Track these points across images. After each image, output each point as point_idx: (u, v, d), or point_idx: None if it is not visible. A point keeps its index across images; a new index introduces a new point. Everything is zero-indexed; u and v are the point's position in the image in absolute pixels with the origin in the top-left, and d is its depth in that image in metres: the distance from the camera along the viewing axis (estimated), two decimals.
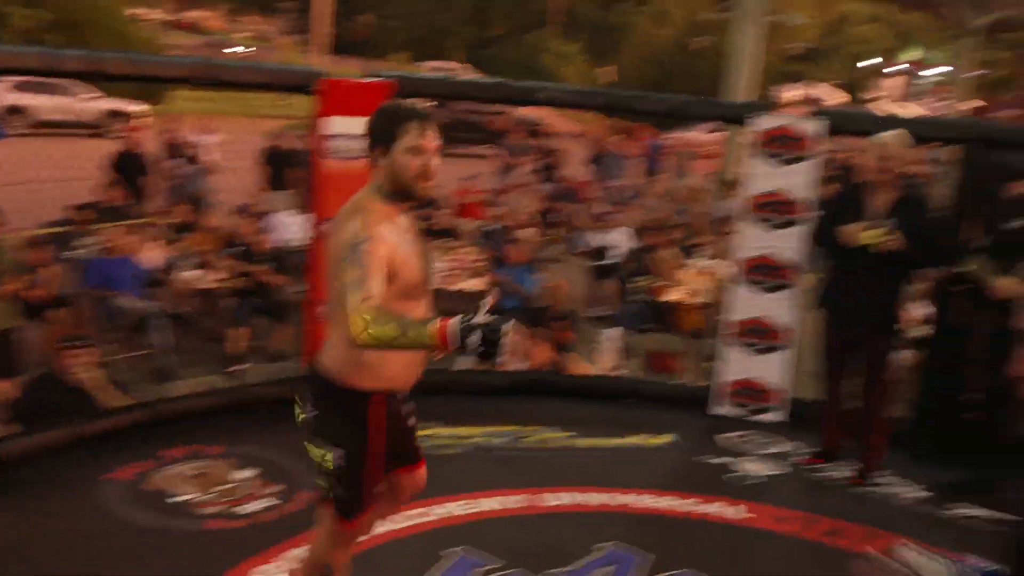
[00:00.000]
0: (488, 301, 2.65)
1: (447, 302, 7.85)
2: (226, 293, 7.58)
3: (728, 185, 9.24)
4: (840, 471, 5.17)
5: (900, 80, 50.33)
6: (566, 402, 5.96)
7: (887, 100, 40.81)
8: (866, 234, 4.77)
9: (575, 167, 15.52)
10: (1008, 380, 5.13)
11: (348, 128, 5.08)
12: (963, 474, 5.18)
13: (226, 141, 14.01)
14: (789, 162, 5.63)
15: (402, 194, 2.85)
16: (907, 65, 49.98)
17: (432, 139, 2.83)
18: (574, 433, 5.45)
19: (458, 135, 18.34)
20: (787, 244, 5.62)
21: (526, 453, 5.18)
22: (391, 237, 2.78)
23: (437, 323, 2.54)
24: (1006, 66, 30.38)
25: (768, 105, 6.07)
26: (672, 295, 8.31)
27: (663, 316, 8.26)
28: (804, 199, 5.67)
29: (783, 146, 5.64)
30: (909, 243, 4.73)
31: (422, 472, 3.31)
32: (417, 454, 3.29)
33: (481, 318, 2.53)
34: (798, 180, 5.65)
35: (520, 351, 6.43)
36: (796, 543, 4.45)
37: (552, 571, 3.88)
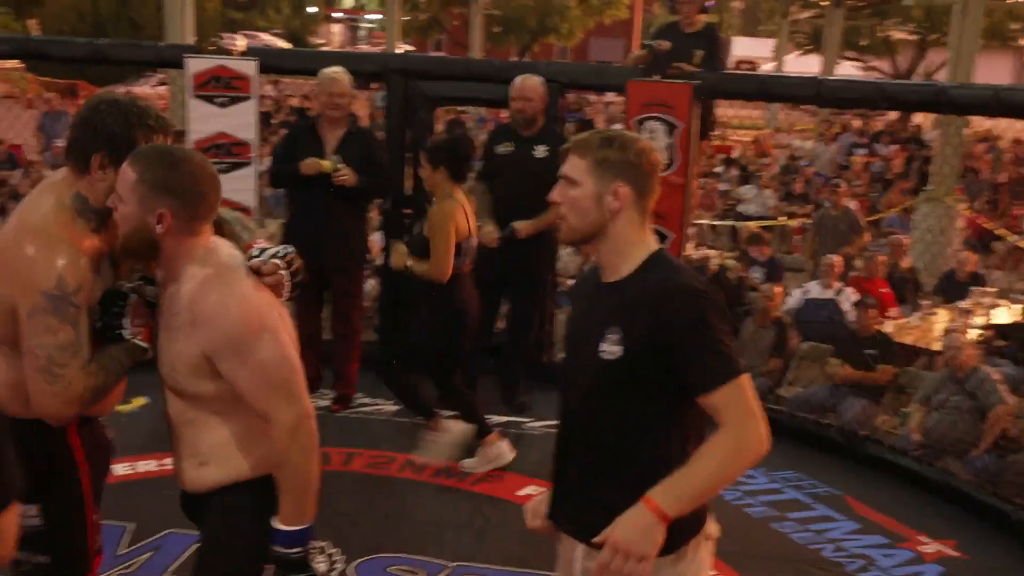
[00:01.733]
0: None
1: None
2: None
3: (177, 135, 8.88)
4: (320, 401, 5.33)
5: (340, 28, 52.22)
6: None
7: (328, 47, 42.21)
8: (324, 162, 4.90)
9: (15, 131, 13.94)
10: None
11: None
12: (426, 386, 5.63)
13: None
14: (228, 103, 5.55)
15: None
16: (343, 14, 52.00)
17: None
18: None
19: None
20: (236, 187, 5.56)
21: None
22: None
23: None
24: (429, 9, 32.86)
25: (202, 48, 5.92)
26: None
27: None
28: (248, 140, 5.64)
29: (220, 87, 5.54)
30: (359, 176, 4.95)
31: None
32: None
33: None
34: (240, 120, 5.59)
35: None
36: None
37: None
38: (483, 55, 21.28)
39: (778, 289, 6.54)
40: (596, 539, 1.94)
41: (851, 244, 8.87)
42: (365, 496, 4.34)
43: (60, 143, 13.25)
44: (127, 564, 3.61)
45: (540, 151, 5.14)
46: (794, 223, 11.53)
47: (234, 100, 5.56)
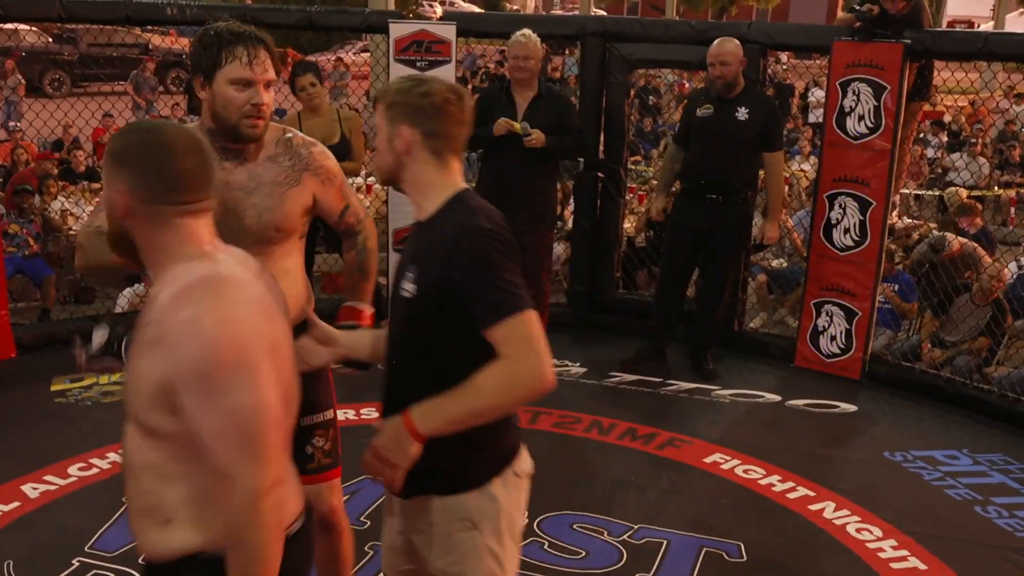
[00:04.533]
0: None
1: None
2: None
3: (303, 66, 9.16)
4: None
5: None
6: None
7: (521, 12, 42.47)
8: (516, 124, 4.98)
9: None
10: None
11: None
12: (615, 349, 5.65)
13: None
14: (428, 66, 5.69)
15: (227, 133, 2.36)
16: None
17: (264, 69, 2.32)
18: None
19: (91, 72, 16.95)
20: None
21: None
22: None
23: None
24: None
25: (400, 13, 6.10)
26: None
27: (332, 239, 8.17)
28: None
29: (421, 52, 5.70)
30: (550, 138, 5.00)
31: None
32: None
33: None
34: None
35: None
36: None
37: None
38: (677, 17, 20.88)
39: (1006, 270, 6.11)
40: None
41: None
42: (551, 454, 4.40)
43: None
44: None
45: (742, 113, 5.02)
46: (1011, 193, 10.78)
47: (433, 64, 5.70)
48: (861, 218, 5.23)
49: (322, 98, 5.49)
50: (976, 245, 7.00)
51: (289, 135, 2.51)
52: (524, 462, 2.15)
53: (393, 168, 2.07)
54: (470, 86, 15.76)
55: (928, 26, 5.35)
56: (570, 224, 6.50)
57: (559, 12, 41.43)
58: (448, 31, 5.71)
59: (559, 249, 6.97)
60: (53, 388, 4.87)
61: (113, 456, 4.12)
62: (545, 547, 3.58)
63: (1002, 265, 6.15)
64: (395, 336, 2.11)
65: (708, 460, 4.38)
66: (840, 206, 5.29)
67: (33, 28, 17.22)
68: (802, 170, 11.01)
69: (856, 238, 5.26)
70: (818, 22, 35.98)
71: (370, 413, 4.65)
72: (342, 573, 2.78)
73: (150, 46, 18.69)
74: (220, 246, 1.75)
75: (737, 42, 5.03)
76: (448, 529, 2.06)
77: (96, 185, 9.33)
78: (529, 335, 1.89)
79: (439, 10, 6.08)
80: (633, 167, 9.79)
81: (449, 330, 1.98)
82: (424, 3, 30.03)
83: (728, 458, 4.40)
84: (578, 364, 5.48)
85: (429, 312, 1.99)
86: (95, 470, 4.03)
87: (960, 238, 6.99)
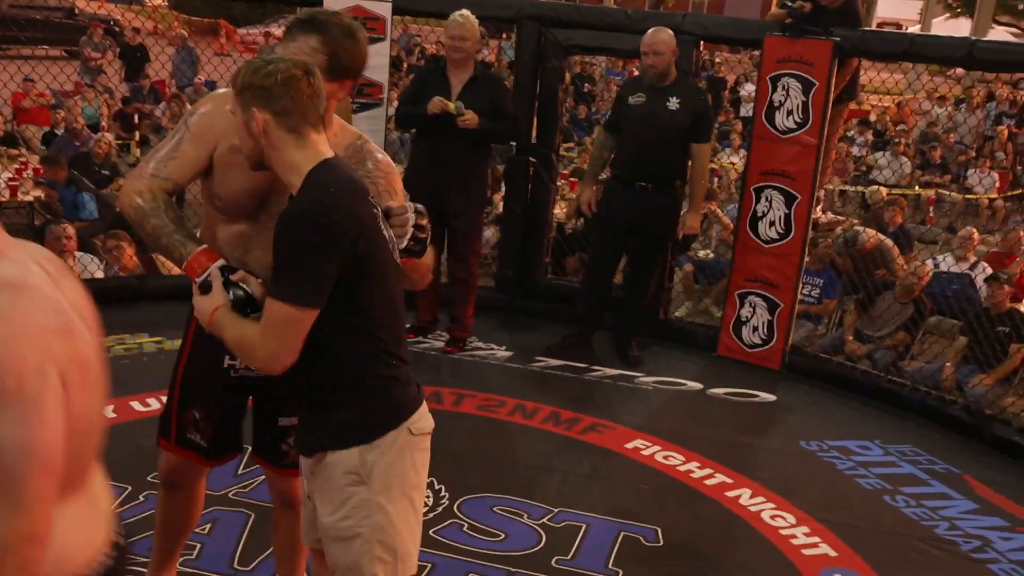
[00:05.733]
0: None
1: (8, 216, 7.08)
2: None
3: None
4: (435, 342, 5.42)
5: None
6: (157, 305, 5.61)
7: None
8: (450, 104, 4.95)
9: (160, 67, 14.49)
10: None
11: None
12: (541, 334, 5.67)
13: None
14: None
15: None
16: None
17: None
18: (163, 337, 5.18)
19: (11, 35, 16.38)
20: (366, 128, 5.65)
21: (114, 361, 4.86)
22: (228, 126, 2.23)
23: (197, 251, 2.24)
24: None
25: None
26: None
27: None
28: (379, 80, 5.73)
29: None
30: (483, 120, 4.98)
31: None
32: None
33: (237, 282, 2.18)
34: (373, 61, 5.65)
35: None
36: None
37: (152, 477, 3.71)
38: (615, 5, 20.96)
39: (926, 268, 6.27)
40: None
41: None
42: (474, 437, 4.41)
43: (199, 79, 13.76)
44: (244, 484, 3.76)
45: (673, 103, 5.06)
46: (930, 193, 11.08)
47: (369, 41, 5.63)
48: (786, 211, 5.32)
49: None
50: (891, 243, 7.19)
51: (361, 142, 2.47)
52: (423, 421, 2.20)
53: (257, 153, 2.07)
54: (406, 65, 15.63)
55: (861, 21, 5.45)
56: (500, 208, 6.49)
57: None
58: (384, 8, 5.65)
59: (489, 233, 6.96)
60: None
61: None
62: (464, 528, 3.59)
63: (924, 266, 6.31)
64: None
65: (629, 446, 4.42)
66: (767, 199, 5.38)
67: None
68: (732, 163, 11.17)
69: (781, 231, 5.35)
70: (752, 14, 36.45)
71: None
72: (300, 549, 2.76)
73: (75, 10, 18.17)
74: (11, 243, 1.40)
75: (671, 32, 5.07)
76: (338, 484, 2.10)
77: (13, 151, 9.05)
78: (277, 323, 1.99)
79: None
80: (566, 153, 9.83)
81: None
82: None
83: (649, 444, 4.45)
84: (504, 348, 5.49)
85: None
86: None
87: (877, 234, 7.17)
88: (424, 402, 2.24)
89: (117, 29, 17.31)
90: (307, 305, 1.97)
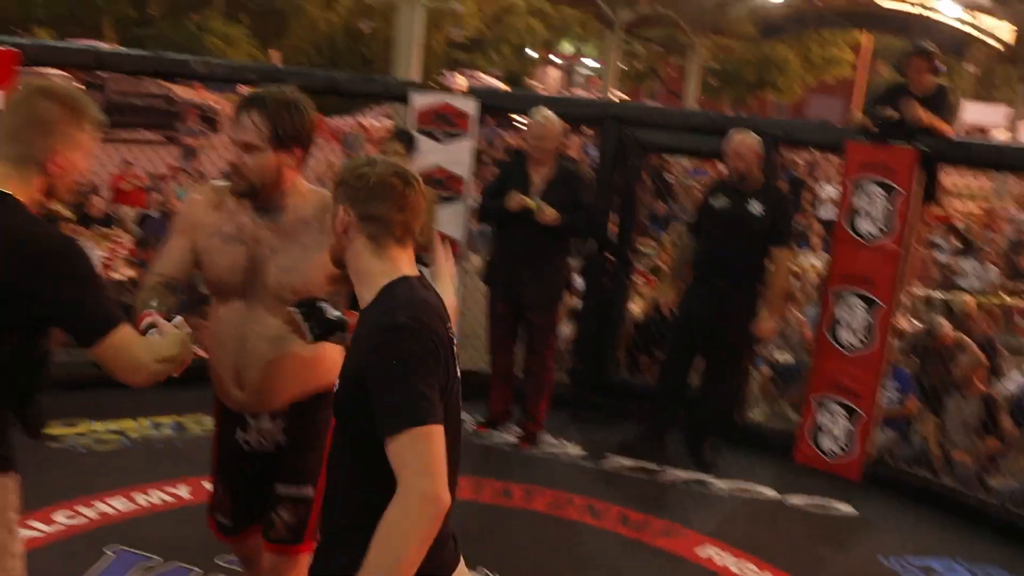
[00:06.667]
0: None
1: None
2: None
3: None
4: (507, 436, 5.40)
5: (558, 73, 53.30)
6: None
7: (544, 91, 43.12)
8: (529, 200, 5.01)
9: None
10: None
11: None
12: (613, 431, 5.61)
13: None
14: (448, 138, 5.77)
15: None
16: (562, 59, 53.05)
17: (242, 130, 2.46)
18: None
19: (115, 119, 17.21)
20: (447, 220, 5.75)
21: (190, 442, 4.94)
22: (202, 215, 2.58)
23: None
24: (646, 60, 33.05)
25: (426, 85, 6.20)
26: None
27: None
28: (462, 175, 5.85)
29: (442, 123, 5.78)
30: (563, 216, 5.04)
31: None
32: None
33: None
34: (457, 157, 5.81)
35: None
36: (467, 505, 4.58)
37: (219, 559, 3.73)
38: (697, 106, 21.20)
39: (983, 358, 6.07)
40: None
41: None
42: (543, 536, 4.35)
43: None
44: None
45: (755, 206, 5.06)
46: (1020, 303, 10.78)
47: (453, 136, 5.78)
48: (868, 318, 5.23)
49: None
50: (970, 341, 6.98)
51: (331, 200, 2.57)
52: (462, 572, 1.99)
53: (336, 251, 1.98)
54: (490, 158, 15.93)
55: (953, 111, 5.39)
56: (576, 303, 6.50)
57: (580, 92, 42.08)
58: (470, 105, 5.79)
59: (564, 327, 6.96)
60: (47, 431, 4.84)
61: (101, 506, 4.08)
62: None
63: (982, 356, 6.09)
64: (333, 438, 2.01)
65: (701, 553, 4.31)
66: (847, 305, 5.29)
67: (63, 74, 17.54)
68: (813, 265, 11.05)
69: (862, 338, 5.25)
70: (834, 116, 36.44)
71: None
72: None
73: (173, 96, 19.01)
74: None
75: (756, 136, 5.09)
76: None
77: (108, 231, 9.39)
78: (426, 453, 1.73)
79: (463, 82, 6.18)
80: (642, 247, 9.83)
81: (365, 438, 1.82)
82: (446, 73, 30.58)
83: (721, 552, 4.33)
84: (576, 444, 5.43)
85: (350, 413, 1.87)
86: (81, 519, 3.98)
87: (955, 331, 6.96)
88: (460, 559, 2.01)
89: (210, 116, 18.04)
90: (435, 420, 1.75)
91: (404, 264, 1.94)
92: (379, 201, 1.89)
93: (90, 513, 4.04)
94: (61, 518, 3.97)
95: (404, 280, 1.90)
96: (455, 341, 1.97)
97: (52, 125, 2.11)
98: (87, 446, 4.71)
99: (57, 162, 2.14)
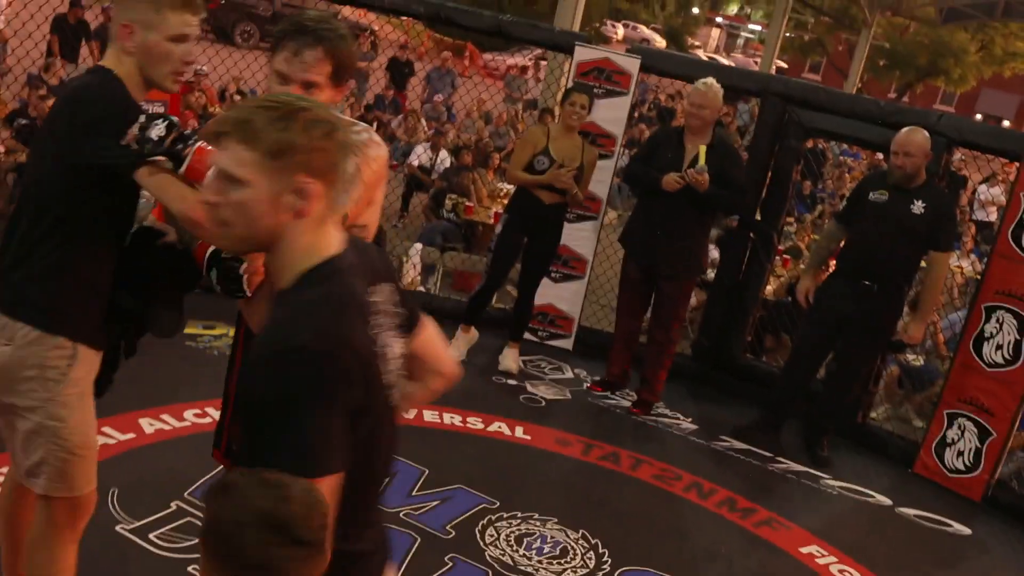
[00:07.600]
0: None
1: None
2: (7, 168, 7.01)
3: (546, 112, 9.31)
4: (621, 400, 5.39)
5: (718, 32, 51.96)
6: None
7: (702, 50, 42.11)
8: (687, 175, 4.91)
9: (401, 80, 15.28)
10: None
11: None
12: (729, 412, 5.54)
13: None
14: (605, 95, 5.70)
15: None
16: (725, 19, 51.64)
17: (303, 69, 2.24)
18: None
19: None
20: (595, 178, 5.71)
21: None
22: None
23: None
24: (815, 30, 31.86)
25: (589, 36, 6.13)
26: (480, 216, 8.36)
27: (470, 236, 8.31)
28: (615, 134, 5.78)
29: (600, 79, 5.70)
30: (713, 187, 4.94)
31: None
32: None
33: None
34: (611, 115, 5.74)
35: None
36: (575, 463, 4.62)
37: None
38: (860, 85, 20.36)
39: None
40: None
41: None
42: (645, 506, 4.35)
43: (439, 98, 14.33)
44: (416, 506, 3.85)
45: (917, 207, 4.84)
46: None
47: (610, 93, 5.70)
48: (1018, 337, 4.98)
49: (581, 123, 5.33)
50: None
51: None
52: None
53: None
54: (637, 113, 15.71)
55: None
56: (710, 275, 6.37)
57: (739, 56, 40.97)
58: (632, 64, 5.70)
59: (692, 297, 6.86)
60: (186, 331, 5.07)
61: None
62: None
63: None
64: None
65: (804, 550, 4.24)
66: (997, 320, 5.05)
67: None
68: (959, 266, 10.55)
69: (1008, 356, 5.01)
70: (1007, 113, 34.48)
71: (475, 422, 4.69)
72: None
73: (340, 15, 19.31)
74: None
75: (926, 134, 4.85)
76: None
77: None
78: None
79: (621, 31, 6.08)
80: (786, 226, 9.56)
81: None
82: (608, 22, 30.13)
83: (825, 553, 4.25)
84: (690, 420, 5.39)
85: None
86: (208, 419, 4.17)
87: None
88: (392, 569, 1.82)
89: (372, 40, 18.26)
90: (323, 472, 1.48)
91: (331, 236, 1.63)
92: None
93: (217, 415, 4.22)
94: (190, 415, 4.17)
95: (328, 263, 1.58)
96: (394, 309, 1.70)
97: (131, 4, 2.27)
98: (221, 349, 4.92)
99: (132, 39, 2.27)
